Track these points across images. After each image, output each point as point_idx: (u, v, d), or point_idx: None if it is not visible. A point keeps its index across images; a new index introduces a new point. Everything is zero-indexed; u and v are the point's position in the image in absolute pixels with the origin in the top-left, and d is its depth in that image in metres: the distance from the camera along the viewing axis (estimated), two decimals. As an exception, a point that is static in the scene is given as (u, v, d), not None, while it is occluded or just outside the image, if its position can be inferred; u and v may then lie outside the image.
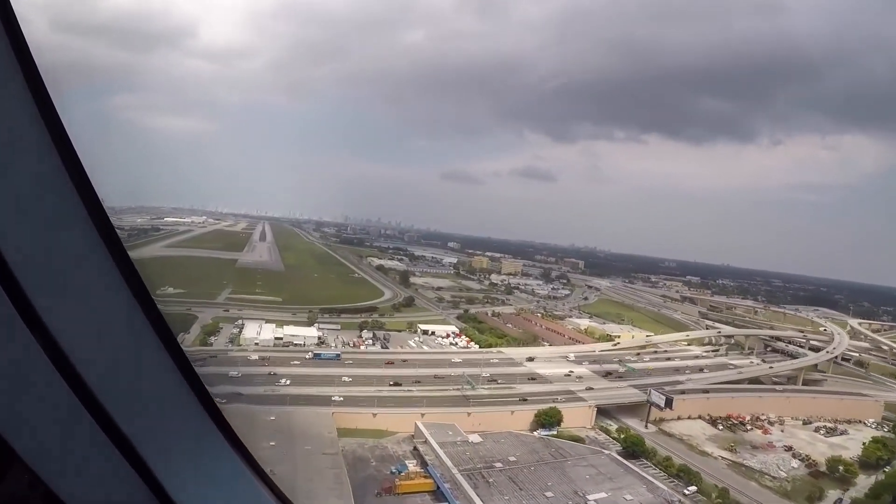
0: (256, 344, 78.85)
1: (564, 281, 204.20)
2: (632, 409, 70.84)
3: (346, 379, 68.11)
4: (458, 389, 68.72)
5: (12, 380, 1.48)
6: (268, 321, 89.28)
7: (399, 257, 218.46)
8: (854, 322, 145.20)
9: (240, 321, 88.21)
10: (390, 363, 77.77)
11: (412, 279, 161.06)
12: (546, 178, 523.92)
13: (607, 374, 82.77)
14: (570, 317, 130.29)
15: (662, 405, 67.87)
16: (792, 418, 75.96)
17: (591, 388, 74.60)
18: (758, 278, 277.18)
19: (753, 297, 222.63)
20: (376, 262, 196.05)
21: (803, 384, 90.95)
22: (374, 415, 59.94)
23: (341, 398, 61.94)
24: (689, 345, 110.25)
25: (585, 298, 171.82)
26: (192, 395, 2.13)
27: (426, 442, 55.44)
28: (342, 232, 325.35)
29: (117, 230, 1.79)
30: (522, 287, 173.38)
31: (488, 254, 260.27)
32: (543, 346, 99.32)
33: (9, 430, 1.47)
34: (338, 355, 77.89)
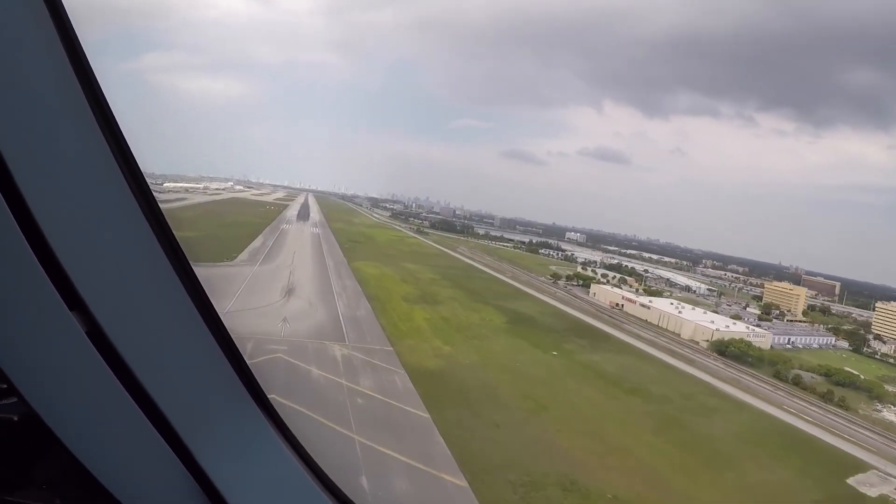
0: None
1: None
2: None
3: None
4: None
5: (54, 363, 1.41)
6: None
7: (614, 276, 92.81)
8: None
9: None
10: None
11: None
12: (619, 161, 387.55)
13: None
14: None
15: None
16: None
17: None
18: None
19: None
20: (608, 295, 71.68)
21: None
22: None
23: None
24: None
25: None
26: (239, 382, 2.08)
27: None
28: (411, 210, 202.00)
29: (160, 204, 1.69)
30: None
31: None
32: None
33: (49, 412, 1.38)
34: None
